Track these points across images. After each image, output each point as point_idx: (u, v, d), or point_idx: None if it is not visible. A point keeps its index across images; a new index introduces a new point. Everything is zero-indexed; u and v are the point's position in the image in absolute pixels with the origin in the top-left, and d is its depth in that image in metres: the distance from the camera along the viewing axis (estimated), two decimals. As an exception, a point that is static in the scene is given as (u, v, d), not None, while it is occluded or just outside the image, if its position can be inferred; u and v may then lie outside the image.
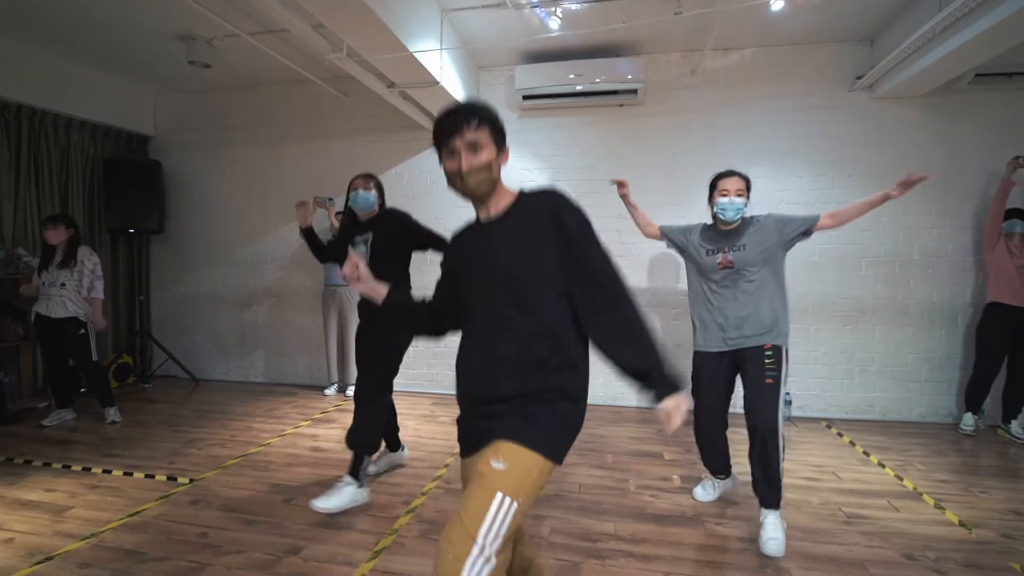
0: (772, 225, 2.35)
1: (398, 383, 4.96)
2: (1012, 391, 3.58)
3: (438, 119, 1.30)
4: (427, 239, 2.58)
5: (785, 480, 2.86)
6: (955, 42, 2.97)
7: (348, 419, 3.88)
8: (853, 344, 3.99)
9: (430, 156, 4.64)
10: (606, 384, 4.28)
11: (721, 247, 2.37)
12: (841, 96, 3.95)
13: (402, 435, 3.44)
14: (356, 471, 2.49)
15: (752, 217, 2.41)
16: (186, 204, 5.14)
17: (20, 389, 4.17)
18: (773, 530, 2.14)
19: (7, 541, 2.20)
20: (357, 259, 1.44)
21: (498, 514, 1.09)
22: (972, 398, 3.65)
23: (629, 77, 3.95)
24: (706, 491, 2.62)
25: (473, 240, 1.37)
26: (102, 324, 3.85)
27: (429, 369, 4.69)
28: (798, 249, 4.22)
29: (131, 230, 4.78)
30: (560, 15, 3.33)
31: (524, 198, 1.33)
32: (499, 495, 1.10)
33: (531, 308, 1.24)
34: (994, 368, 3.58)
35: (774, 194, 4.06)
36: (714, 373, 2.41)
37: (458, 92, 3.91)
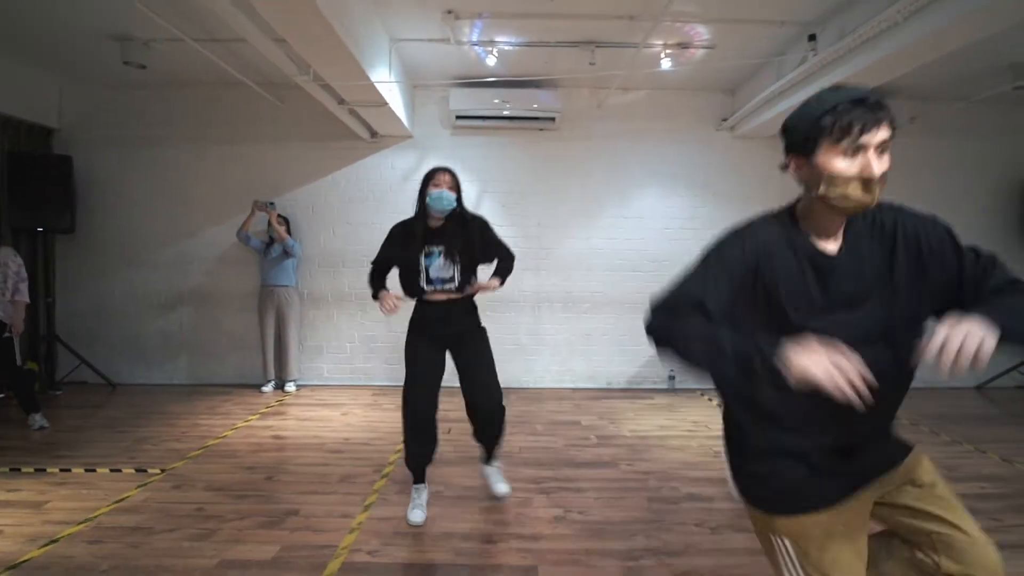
0: None
1: (340, 377, 5.26)
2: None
3: (838, 104, 0.97)
4: (497, 252, 2.51)
5: (671, 432, 3.75)
6: (785, 104, 4.02)
7: (297, 411, 4.21)
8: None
9: (367, 164, 4.98)
10: (528, 370, 4.96)
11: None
12: (711, 134, 4.97)
13: (355, 423, 3.83)
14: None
15: None
16: (99, 203, 4.94)
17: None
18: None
19: (-4, 533, 2.30)
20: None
21: None
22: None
23: (547, 106, 4.63)
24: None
25: (812, 273, 1.06)
26: (20, 328, 3.72)
27: (365, 363, 5.00)
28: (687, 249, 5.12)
29: (39, 229, 4.53)
30: (496, 54, 3.91)
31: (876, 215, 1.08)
32: None
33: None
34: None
35: (664, 209, 5.00)
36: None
37: (400, 110, 4.32)
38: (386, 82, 3.56)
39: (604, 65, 4.06)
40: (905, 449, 1.14)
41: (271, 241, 4.68)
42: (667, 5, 3.01)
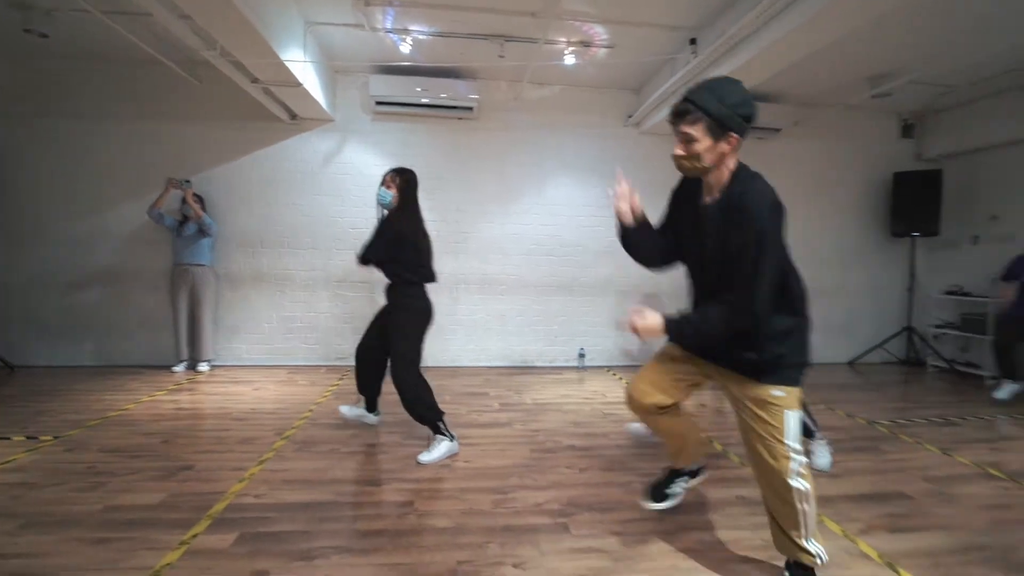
0: None
1: (258, 358, 5.28)
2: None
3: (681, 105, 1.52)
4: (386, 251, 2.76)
5: (569, 400, 4.02)
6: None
7: (207, 388, 4.23)
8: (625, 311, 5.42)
9: (289, 146, 5.02)
10: (444, 349, 5.15)
11: None
12: (620, 129, 5.35)
13: (265, 396, 3.89)
14: (441, 430, 2.80)
15: None
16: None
17: None
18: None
19: None
20: None
21: None
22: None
23: (465, 96, 4.84)
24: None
25: (694, 213, 1.64)
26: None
27: (284, 344, 5.03)
28: (582, 238, 5.40)
29: (-74, 201, 4.30)
30: (411, 42, 4.08)
31: (734, 187, 1.54)
32: None
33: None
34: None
35: (577, 198, 5.33)
36: None
37: (318, 93, 4.41)
38: (294, 61, 3.65)
39: (514, 59, 4.32)
40: (756, 376, 1.63)
41: (185, 219, 4.65)
42: (558, 2, 3.29)
